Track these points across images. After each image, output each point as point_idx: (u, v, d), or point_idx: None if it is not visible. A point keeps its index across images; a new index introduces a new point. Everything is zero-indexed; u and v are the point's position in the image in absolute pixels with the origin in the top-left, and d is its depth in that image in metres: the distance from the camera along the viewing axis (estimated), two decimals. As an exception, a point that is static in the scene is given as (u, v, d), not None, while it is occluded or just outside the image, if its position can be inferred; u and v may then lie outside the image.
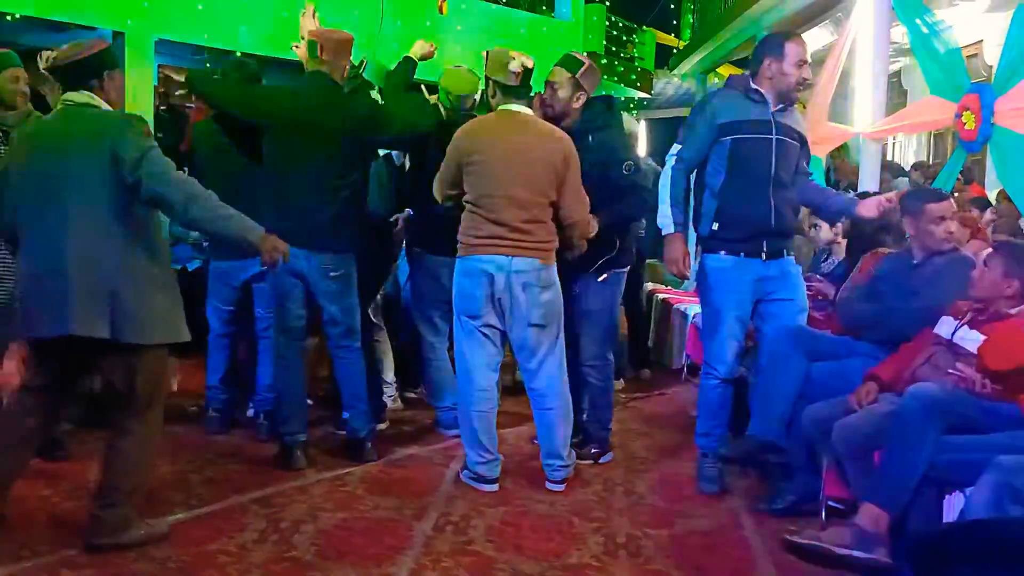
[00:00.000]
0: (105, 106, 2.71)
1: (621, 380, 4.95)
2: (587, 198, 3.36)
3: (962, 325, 2.86)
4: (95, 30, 7.70)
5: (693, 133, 3.34)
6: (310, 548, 2.78)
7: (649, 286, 6.89)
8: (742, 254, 3.29)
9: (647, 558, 2.83)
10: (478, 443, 3.38)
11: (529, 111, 3.39)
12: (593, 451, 3.75)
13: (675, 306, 5.88)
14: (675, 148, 3.37)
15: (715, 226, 3.32)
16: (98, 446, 3.39)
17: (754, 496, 3.35)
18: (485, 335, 3.36)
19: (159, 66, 7.70)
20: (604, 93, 3.89)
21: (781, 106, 3.29)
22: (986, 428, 2.58)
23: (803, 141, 3.38)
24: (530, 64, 3.34)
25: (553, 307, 3.34)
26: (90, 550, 2.66)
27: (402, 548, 2.81)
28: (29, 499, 3.00)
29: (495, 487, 3.37)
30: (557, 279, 3.36)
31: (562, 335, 3.42)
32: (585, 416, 3.77)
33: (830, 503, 3.02)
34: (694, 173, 3.41)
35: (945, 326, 2.92)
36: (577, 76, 3.52)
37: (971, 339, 2.79)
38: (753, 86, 3.30)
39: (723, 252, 3.31)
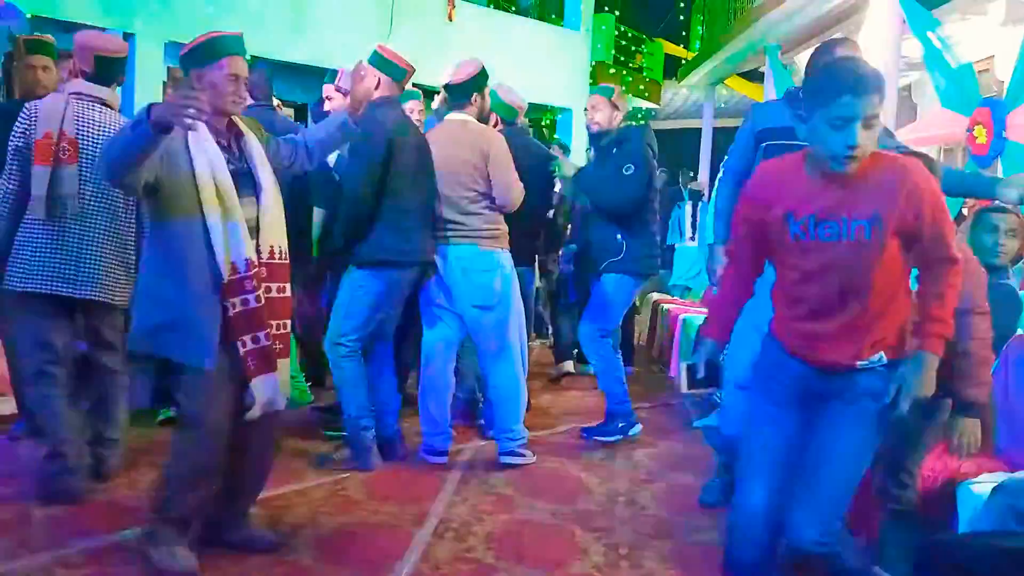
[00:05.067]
0: None
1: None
2: (519, 186, 3.66)
3: None
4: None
5: (737, 143, 3.34)
6: (308, 552, 2.75)
7: (655, 296, 6.88)
8: None
9: (649, 569, 2.79)
10: (432, 418, 3.70)
11: (463, 116, 3.69)
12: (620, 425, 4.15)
13: (679, 316, 5.84)
14: (726, 159, 3.40)
15: None
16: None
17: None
18: (439, 316, 3.71)
19: (168, 68, 7.72)
20: (636, 125, 4.33)
21: None
22: None
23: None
24: (454, 78, 3.68)
25: (494, 290, 3.63)
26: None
27: (400, 555, 2.78)
28: (24, 497, 2.99)
29: (444, 459, 3.69)
30: (503, 264, 3.66)
31: (517, 318, 3.71)
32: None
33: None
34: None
35: None
36: (612, 99, 4.04)
37: None
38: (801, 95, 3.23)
39: None
